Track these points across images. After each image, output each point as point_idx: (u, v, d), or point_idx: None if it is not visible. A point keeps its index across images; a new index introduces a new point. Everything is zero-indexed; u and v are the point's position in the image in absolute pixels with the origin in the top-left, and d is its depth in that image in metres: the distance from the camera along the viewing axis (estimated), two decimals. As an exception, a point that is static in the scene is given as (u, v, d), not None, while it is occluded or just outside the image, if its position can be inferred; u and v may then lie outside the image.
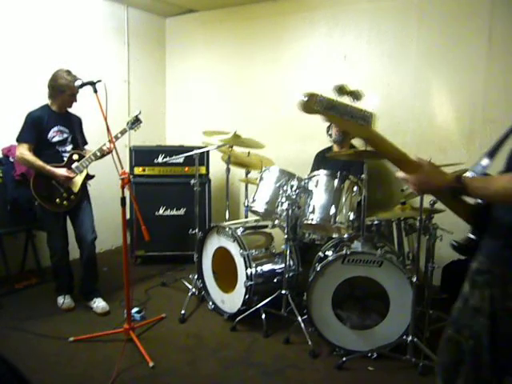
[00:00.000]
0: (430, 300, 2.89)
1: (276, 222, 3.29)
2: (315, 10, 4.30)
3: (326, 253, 3.00)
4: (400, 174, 1.34)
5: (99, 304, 3.29)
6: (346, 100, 1.24)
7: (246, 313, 3.05)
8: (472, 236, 1.40)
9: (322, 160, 3.67)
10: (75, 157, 3.23)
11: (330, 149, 3.74)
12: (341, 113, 1.20)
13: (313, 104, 1.18)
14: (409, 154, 1.34)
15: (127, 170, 2.99)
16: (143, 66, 5.10)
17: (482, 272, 1.33)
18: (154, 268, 4.22)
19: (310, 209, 2.89)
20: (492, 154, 1.40)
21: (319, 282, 2.73)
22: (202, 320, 3.21)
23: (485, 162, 1.38)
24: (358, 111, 1.22)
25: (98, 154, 3.20)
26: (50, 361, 2.65)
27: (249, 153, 3.67)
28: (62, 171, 3.12)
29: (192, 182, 3.55)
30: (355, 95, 1.24)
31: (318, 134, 3.85)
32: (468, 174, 1.34)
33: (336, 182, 2.89)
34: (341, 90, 1.22)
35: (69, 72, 3.08)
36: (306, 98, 1.18)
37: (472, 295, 1.34)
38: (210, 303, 3.35)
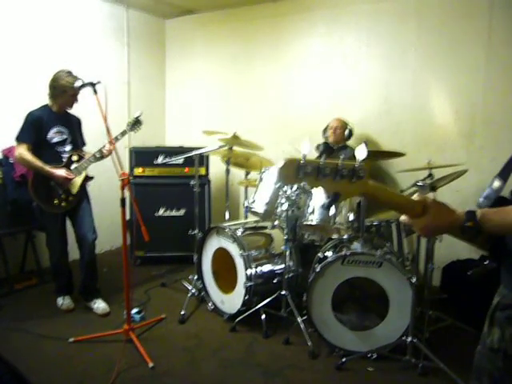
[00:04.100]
0: (430, 300, 2.89)
1: (276, 222, 3.29)
2: (314, 11, 4.31)
3: (326, 253, 3.00)
4: (404, 218, 1.15)
5: (100, 305, 3.29)
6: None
7: (246, 313, 3.05)
8: (489, 264, 1.23)
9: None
10: (74, 158, 3.23)
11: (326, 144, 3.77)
12: (329, 175, 0.99)
13: (293, 172, 0.96)
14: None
15: (127, 170, 2.99)
16: (143, 67, 5.11)
17: (504, 306, 1.15)
18: (153, 269, 4.23)
19: (310, 210, 2.89)
20: (504, 175, 1.21)
21: (319, 282, 2.73)
22: (202, 321, 3.21)
23: (496, 184, 1.20)
24: (350, 168, 0.99)
25: (98, 155, 3.19)
26: (50, 361, 2.65)
27: (249, 152, 3.67)
28: (60, 172, 3.11)
29: (192, 182, 3.55)
30: (344, 151, 1.04)
31: (317, 134, 3.86)
32: (479, 200, 1.19)
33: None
34: (325, 150, 1.03)
35: (70, 73, 3.07)
36: (284, 167, 0.96)
37: (490, 334, 1.17)
38: (210, 304, 3.35)
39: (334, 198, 1.02)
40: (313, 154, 3.70)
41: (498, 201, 1.18)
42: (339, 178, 0.99)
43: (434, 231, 1.15)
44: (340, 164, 0.99)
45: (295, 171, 0.97)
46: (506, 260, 1.17)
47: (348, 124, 3.84)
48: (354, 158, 1.03)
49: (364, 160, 1.03)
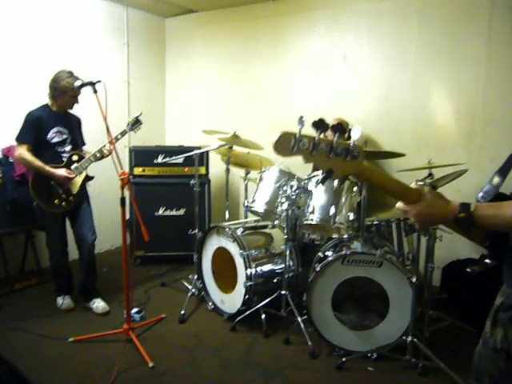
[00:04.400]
0: (430, 300, 2.89)
1: (276, 222, 3.30)
2: (314, 10, 4.30)
3: (326, 253, 3.00)
4: (399, 205, 1.17)
5: (99, 304, 3.29)
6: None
7: (246, 313, 3.05)
8: (489, 261, 1.27)
9: None
10: (75, 158, 3.22)
11: None
12: (324, 151, 1.00)
13: (289, 145, 0.98)
14: (405, 182, 1.18)
15: (127, 170, 2.99)
16: (143, 66, 5.10)
17: (508, 307, 1.15)
18: (153, 268, 4.22)
19: (310, 209, 2.89)
20: (503, 171, 1.24)
21: (319, 282, 2.73)
22: (202, 320, 3.21)
23: (496, 180, 1.23)
24: (344, 146, 1.02)
25: (98, 155, 3.19)
26: (50, 361, 2.65)
27: (248, 152, 3.67)
28: (61, 172, 3.11)
29: (192, 182, 3.55)
30: (338, 129, 1.03)
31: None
32: (479, 195, 1.23)
33: (336, 182, 2.89)
34: (320, 126, 1.01)
35: (71, 73, 3.06)
36: (279, 139, 0.97)
37: (493, 334, 1.17)
38: (210, 303, 3.35)
39: (328, 175, 1.04)
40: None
41: (497, 197, 1.20)
42: (333, 155, 1.01)
43: (428, 219, 1.15)
44: (335, 141, 1.01)
45: (290, 145, 0.98)
46: (510, 259, 1.17)
47: (348, 124, 3.82)
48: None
49: (359, 141, 1.04)
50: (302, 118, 1.00)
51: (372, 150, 2.94)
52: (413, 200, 1.13)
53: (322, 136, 1.01)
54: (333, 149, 1.01)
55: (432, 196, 1.13)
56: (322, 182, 1.05)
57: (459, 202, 1.12)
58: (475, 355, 1.25)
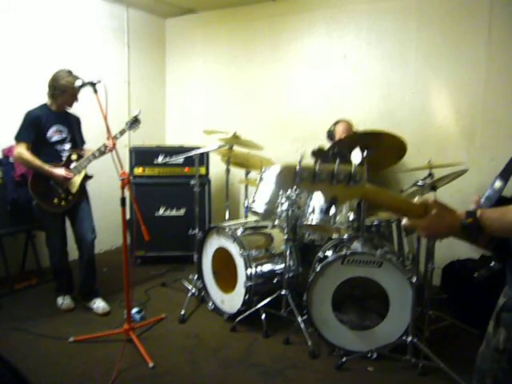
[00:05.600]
0: (430, 300, 2.89)
1: (276, 222, 3.29)
2: (314, 10, 4.31)
3: (326, 253, 3.00)
4: (406, 221, 1.15)
5: (99, 304, 3.29)
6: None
7: (246, 313, 3.05)
8: (494, 265, 1.26)
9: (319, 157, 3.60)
10: (74, 157, 3.23)
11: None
12: (326, 180, 1.00)
13: (290, 178, 0.98)
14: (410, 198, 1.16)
15: (127, 170, 2.99)
16: (143, 66, 5.11)
17: (511, 308, 1.16)
18: (153, 268, 4.22)
19: (310, 209, 2.89)
20: (505, 175, 1.22)
21: (319, 282, 2.73)
22: (202, 320, 3.21)
23: (497, 184, 1.21)
24: (346, 172, 1.01)
25: (97, 154, 3.19)
26: (50, 361, 2.65)
27: (249, 152, 3.67)
28: (60, 171, 3.11)
29: (192, 182, 3.55)
30: (337, 155, 1.06)
31: (317, 133, 3.85)
32: (481, 200, 1.21)
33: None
34: (320, 153, 1.04)
35: (70, 72, 3.07)
36: (280, 174, 1.00)
37: (496, 334, 1.18)
38: (210, 303, 3.35)
39: (332, 203, 1.03)
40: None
41: (499, 201, 1.19)
42: (336, 182, 1.01)
43: (437, 231, 1.14)
44: (336, 169, 1.00)
45: (292, 177, 0.98)
46: (511, 261, 1.17)
47: (353, 126, 3.73)
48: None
49: (360, 164, 1.04)
50: (301, 153, 1.02)
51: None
52: (419, 215, 1.12)
53: (323, 165, 1.01)
54: (334, 176, 1.00)
55: (438, 208, 1.12)
56: (327, 210, 1.07)
57: (465, 210, 1.11)
58: (478, 356, 1.24)
